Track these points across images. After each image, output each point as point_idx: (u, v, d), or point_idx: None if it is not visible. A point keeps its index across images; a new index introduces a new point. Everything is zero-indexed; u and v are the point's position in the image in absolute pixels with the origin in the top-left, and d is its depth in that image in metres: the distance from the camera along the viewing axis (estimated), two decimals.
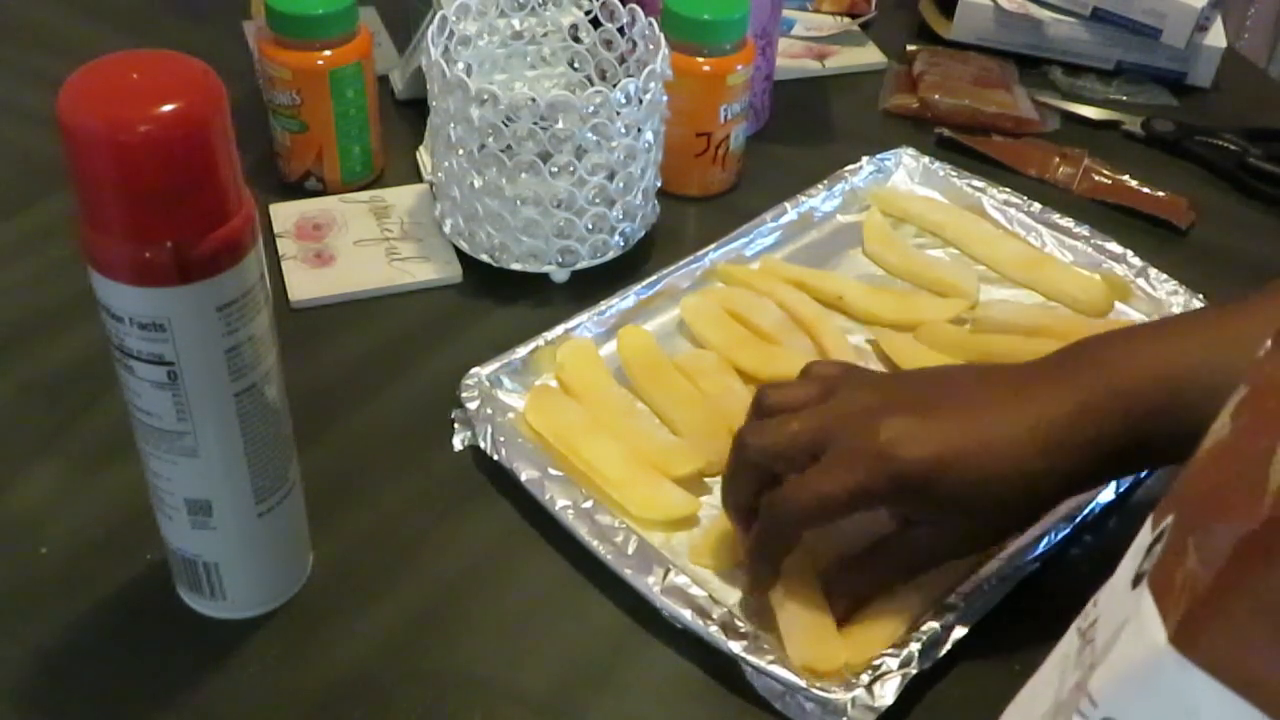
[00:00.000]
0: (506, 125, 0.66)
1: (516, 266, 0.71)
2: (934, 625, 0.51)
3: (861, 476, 0.49)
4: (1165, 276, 0.73)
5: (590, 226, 0.70)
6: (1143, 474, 0.60)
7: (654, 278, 0.70)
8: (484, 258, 0.71)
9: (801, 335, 0.69)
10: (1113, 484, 0.59)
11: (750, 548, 0.53)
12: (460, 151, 0.68)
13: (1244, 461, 0.28)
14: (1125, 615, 0.30)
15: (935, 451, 0.49)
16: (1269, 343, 0.29)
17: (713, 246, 0.73)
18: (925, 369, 0.60)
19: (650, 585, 0.53)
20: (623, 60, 0.74)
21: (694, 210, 0.80)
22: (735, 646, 0.51)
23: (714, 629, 0.51)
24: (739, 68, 0.76)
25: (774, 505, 0.51)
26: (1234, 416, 0.30)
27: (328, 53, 0.73)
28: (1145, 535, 0.31)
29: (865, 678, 0.49)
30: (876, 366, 0.68)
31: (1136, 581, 0.30)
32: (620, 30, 0.73)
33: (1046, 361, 0.53)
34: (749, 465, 0.53)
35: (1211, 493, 0.29)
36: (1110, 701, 0.30)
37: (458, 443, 0.62)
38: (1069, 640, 0.35)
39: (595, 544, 0.55)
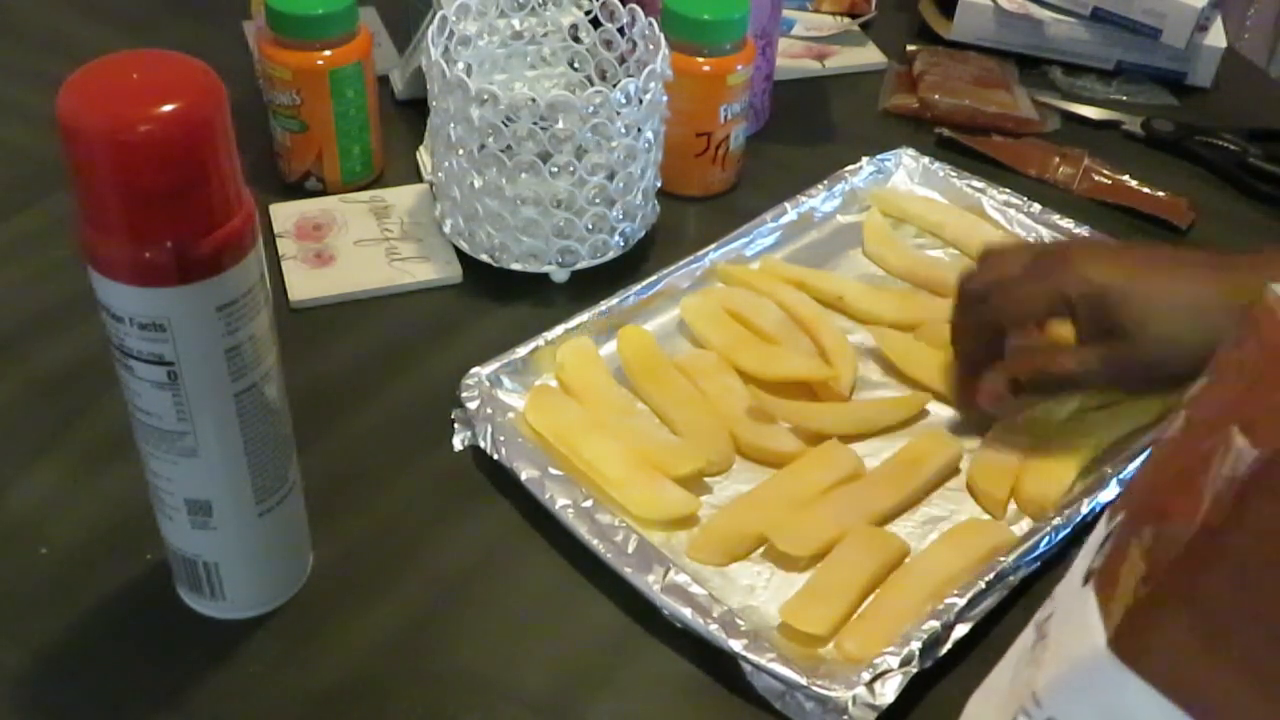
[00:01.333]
0: (506, 125, 0.66)
1: (516, 266, 0.71)
2: (934, 624, 0.51)
3: (1052, 284, 0.59)
4: None
5: (590, 226, 0.70)
6: None
7: (654, 278, 0.70)
8: (484, 258, 0.71)
9: (801, 335, 0.69)
10: (1114, 483, 0.59)
11: (955, 349, 0.64)
12: (460, 151, 0.68)
13: (1185, 464, 0.28)
14: (1074, 613, 0.30)
15: (1118, 278, 0.57)
16: (1235, 331, 0.29)
17: (713, 246, 0.73)
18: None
19: (650, 584, 0.53)
20: (623, 60, 0.74)
21: (694, 210, 0.80)
22: (735, 644, 0.51)
23: (714, 627, 0.51)
24: (739, 68, 0.76)
25: (978, 301, 0.62)
26: (1187, 408, 0.29)
27: (328, 53, 0.73)
28: (1100, 531, 0.31)
29: (866, 676, 0.49)
30: (876, 366, 0.68)
31: (1087, 579, 0.31)
32: (620, 30, 0.73)
33: (1243, 255, 0.60)
34: (966, 295, 0.63)
35: (1154, 494, 0.29)
36: (1053, 702, 0.30)
37: (458, 443, 0.62)
38: (1027, 634, 0.35)
39: (595, 543, 0.55)
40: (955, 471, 0.61)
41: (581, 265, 0.71)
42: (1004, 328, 0.62)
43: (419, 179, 0.80)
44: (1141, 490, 0.30)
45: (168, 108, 0.40)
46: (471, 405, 0.61)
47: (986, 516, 0.60)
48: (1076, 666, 0.29)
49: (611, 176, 0.69)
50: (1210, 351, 0.54)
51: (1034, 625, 0.34)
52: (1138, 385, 0.61)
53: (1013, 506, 0.60)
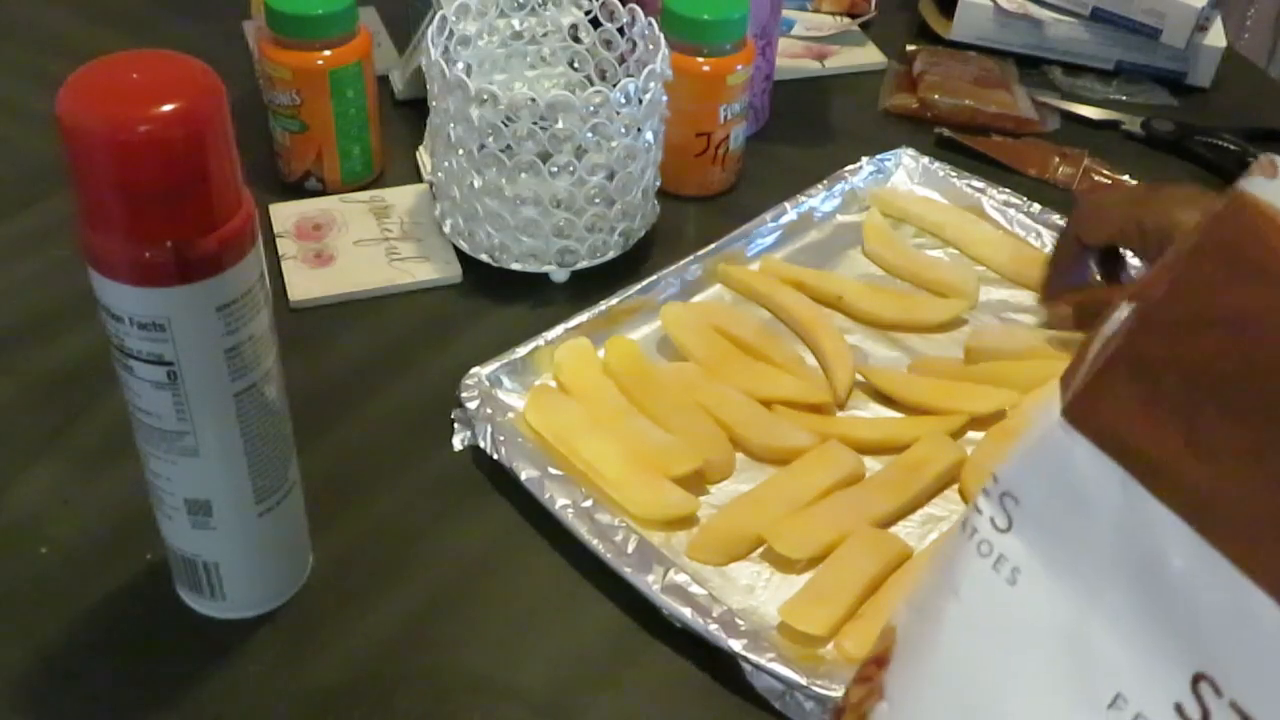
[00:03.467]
0: (506, 125, 0.66)
1: (516, 266, 0.71)
2: None
3: (1131, 211, 0.62)
4: None
5: (590, 226, 0.70)
6: None
7: (654, 278, 0.70)
8: (484, 258, 0.71)
9: (785, 341, 0.69)
10: None
11: (1051, 258, 0.69)
12: (460, 151, 0.68)
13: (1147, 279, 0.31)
14: (1038, 412, 0.33)
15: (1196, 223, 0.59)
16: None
17: (712, 246, 0.73)
18: None
19: (650, 584, 0.53)
20: (623, 60, 0.74)
21: (694, 210, 0.80)
22: (735, 644, 0.51)
23: (714, 627, 0.51)
24: (739, 68, 0.76)
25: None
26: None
27: (328, 53, 0.73)
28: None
29: None
30: (869, 397, 0.67)
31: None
32: (620, 30, 0.73)
33: None
34: (1075, 195, 0.67)
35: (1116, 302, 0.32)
36: (1008, 476, 0.33)
37: (458, 443, 0.62)
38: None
39: (595, 543, 0.55)
40: (956, 477, 0.61)
41: (581, 265, 0.71)
42: (1081, 238, 0.66)
43: (419, 179, 0.80)
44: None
45: (168, 108, 0.40)
46: (471, 405, 0.61)
47: None
48: (1032, 441, 0.32)
49: (611, 176, 0.69)
50: None
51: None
52: None
53: None
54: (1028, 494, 0.32)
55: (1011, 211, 0.78)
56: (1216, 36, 0.95)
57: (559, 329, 0.66)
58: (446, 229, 0.73)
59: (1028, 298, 0.73)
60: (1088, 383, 0.30)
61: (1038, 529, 0.32)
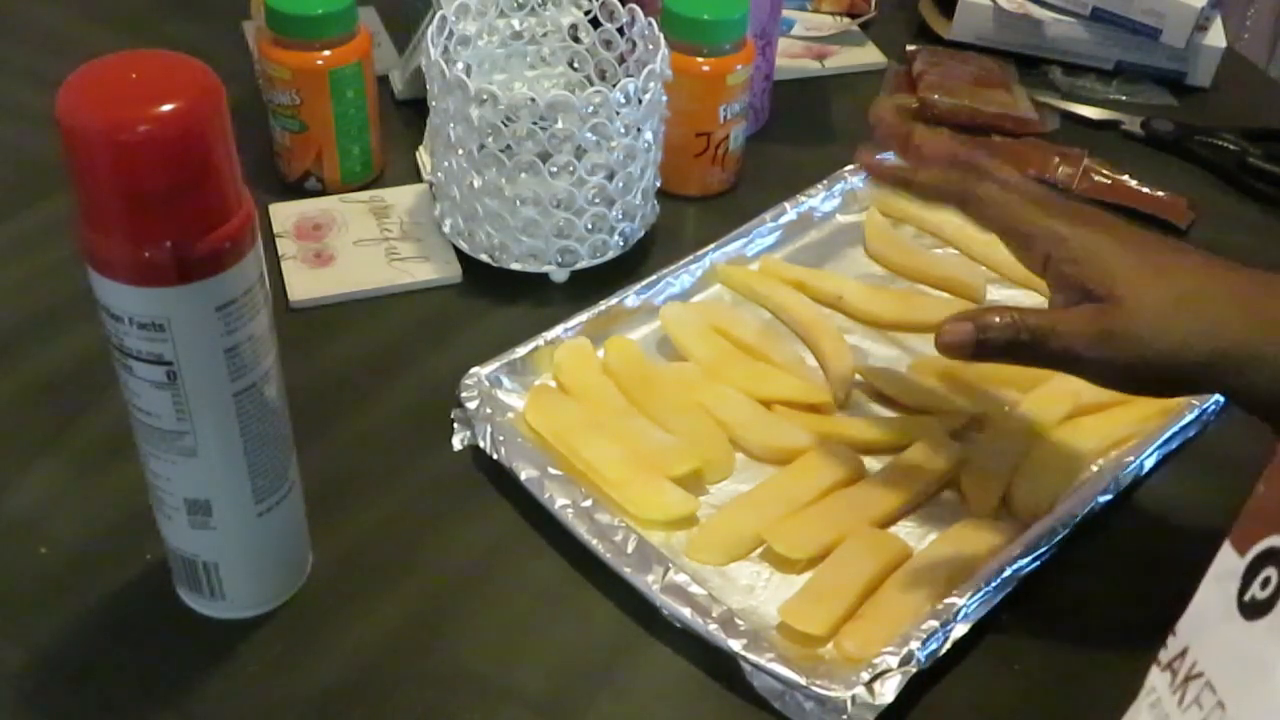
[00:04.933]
0: (506, 125, 0.66)
1: (516, 266, 0.71)
2: (934, 624, 0.51)
3: (1054, 225, 0.53)
4: None
5: (590, 226, 0.70)
6: (1144, 472, 0.60)
7: (653, 278, 0.70)
8: (484, 258, 0.71)
9: (786, 341, 0.69)
10: (1112, 483, 0.59)
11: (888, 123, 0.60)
12: (460, 151, 0.68)
13: None
14: (1265, 651, 0.29)
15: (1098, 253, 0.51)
16: None
17: (712, 246, 0.73)
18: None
19: (649, 584, 0.53)
20: (622, 60, 0.74)
21: (694, 210, 0.80)
22: (735, 644, 0.51)
23: (713, 627, 0.51)
24: (738, 68, 0.76)
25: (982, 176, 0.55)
26: None
27: (327, 53, 0.73)
28: (1231, 562, 0.30)
29: (865, 675, 0.49)
30: (868, 397, 0.67)
31: (1254, 612, 0.29)
32: (620, 30, 0.73)
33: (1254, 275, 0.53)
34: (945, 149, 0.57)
35: None
36: None
37: (458, 443, 0.62)
38: (1155, 684, 0.34)
39: (594, 543, 0.55)
40: (956, 477, 0.61)
41: (581, 265, 0.71)
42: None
43: (419, 179, 0.80)
44: None
45: (167, 108, 0.40)
46: (471, 405, 0.61)
47: None
48: None
49: (611, 176, 0.69)
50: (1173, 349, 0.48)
51: (1165, 671, 0.32)
52: (1103, 369, 0.51)
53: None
54: None
55: None
56: (1216, 36, 0.95)
57: (559, 329, 0.66)
58: (446, 229, 0.73)
59: (1029, 298, 0.73)
60: None
61: None
